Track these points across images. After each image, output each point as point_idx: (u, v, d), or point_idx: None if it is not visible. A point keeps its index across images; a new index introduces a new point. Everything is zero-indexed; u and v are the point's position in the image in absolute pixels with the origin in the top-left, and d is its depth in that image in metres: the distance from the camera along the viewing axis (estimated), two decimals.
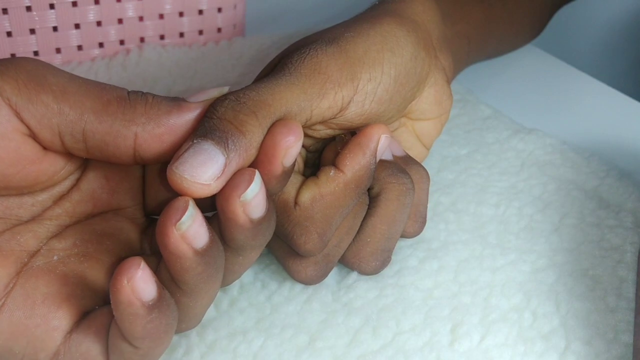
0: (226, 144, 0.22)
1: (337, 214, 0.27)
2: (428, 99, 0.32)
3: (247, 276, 0.31)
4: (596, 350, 0.28)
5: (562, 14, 0.52)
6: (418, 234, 0.32)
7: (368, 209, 0.29)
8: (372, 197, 0.29)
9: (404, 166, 0.30)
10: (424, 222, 0.31)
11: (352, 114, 0.28)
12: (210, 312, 0.29)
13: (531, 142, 0.41)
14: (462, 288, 0.31)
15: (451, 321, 0.29)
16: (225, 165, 0.22)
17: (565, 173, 0.39)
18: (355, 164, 0.27)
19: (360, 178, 0.27)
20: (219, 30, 0.50)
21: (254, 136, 0.23)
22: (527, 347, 0.29)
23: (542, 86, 0.49)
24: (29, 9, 0.42)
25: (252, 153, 0.23)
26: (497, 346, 0.29)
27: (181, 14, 0.47)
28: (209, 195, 0.22)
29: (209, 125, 0.23)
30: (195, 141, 0.22)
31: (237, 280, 0.31)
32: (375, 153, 0.28)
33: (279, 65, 0.27)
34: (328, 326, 0.29)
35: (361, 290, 0.30)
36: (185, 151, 0.22)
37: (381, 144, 0.28)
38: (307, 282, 0.29)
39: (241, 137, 0.23)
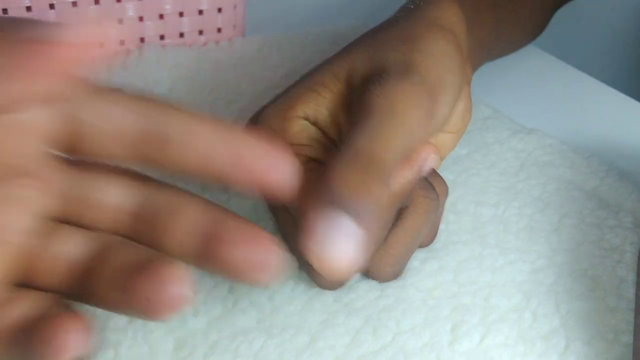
0: (362, 217, 0.22)
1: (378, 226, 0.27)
2: (457, 113, 0.31)
3: None
4: (596, 351, 0.28)
5: (563, 14, 0.52)
6: (428, 245, 0.32)
7: (395, 220, 0.29)
8: (400, 208, 0.29)
9: (427, 177, 0.30)
10: (435, 235, 0.32)
11: (426, 139, 0.28)
12: (213, 311, 0.29)
13: (531, 143, 0.41)
14: (462, 288, 0.31)
15: (451, 321, 0.29)
16: (362, 238, 0.22)
17: (565, 173, 0.39)
18: (402, 178, 0.27)
19: (405, 193, 0.27)
20: (219, 30, 0.50)
21: (383, 201, 0.23)
22: (527, 347, 0.29)
23: (541, 86, 0.49)
24: (28, 9, 0.42)
25: (382, 216, 0.23)
26: (497, 346, 0.29)
27: (181, 14, 0.47)
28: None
29: (339, 194, 0.22)
30: (328, 212, 0.21)
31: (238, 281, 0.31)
32: (421, 170, 0.28)
33: (369, 98, 0.26)
34: (329, 326, 0.29)
35: (362, 290, 0.31)
36: (321, 226, 0.21)
37: (428, 162, 0.28)
38: (331, 288, 0.30)
39: (373, 205, 0.22)
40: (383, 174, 0.23)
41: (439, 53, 0.29)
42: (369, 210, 0.22)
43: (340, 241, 0.21)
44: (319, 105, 0.29)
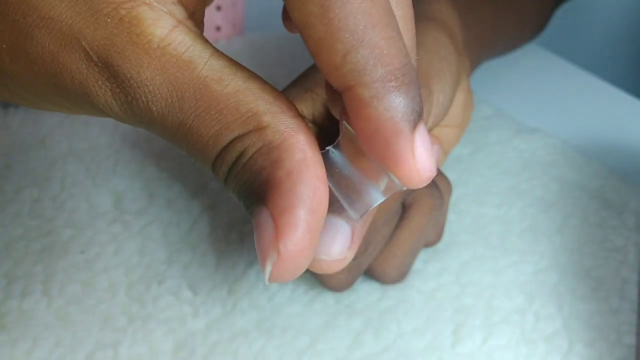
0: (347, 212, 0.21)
1: (382, 218, 0.27)
2: (457, 105, 0.31)
3: (249, 277, 0.31)
4: (599, 352, 0.28)
5: (566, 12, 0.52)
6: (435, 244, 0.32)
7: (399, 220, 0.29)
8: (404, 207, 0.29)
9: None
10: (441, 234, 0.32)
11: (427, 129, 0.28)
12: (213, 312, 0.29)
13: (533, 142, 0.41)
14: (464, 290, 0.31)
15: (453, 323, 0.29)
16: (353, 234, 0.22)
17: (568, 173, 0.38)
18: None
19: None
20: (218, 28, 0.49)
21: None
22: (530, 349, 0.28)
23: (544, 86, 0.48)
24: None
25: (374, 210, 0.23)
26: (500, 348, 0.28)
27: None
28: (345, 266, 0.22)
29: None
30: None
31: (238, 281, 0.31)
32: None
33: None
34: (329, 328, 0.29)
35: (363, 292, 0.30)
36: None
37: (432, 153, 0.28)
38: (338, 288, 0.30)
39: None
40: None
41: (431, 42, 0.29)
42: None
43: (330, 242, 0.21)
44: (315, 103, 0.29)
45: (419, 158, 0.17)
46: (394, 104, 0.17)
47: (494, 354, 0.28)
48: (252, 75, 0.18)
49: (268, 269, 0.17)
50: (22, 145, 0.38)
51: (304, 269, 0.17)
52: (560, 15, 0.50)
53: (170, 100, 0.17)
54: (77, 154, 0.38)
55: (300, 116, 0.18)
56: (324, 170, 0.17)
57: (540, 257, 0.33)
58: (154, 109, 0.17)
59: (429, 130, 0.28)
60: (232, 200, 0.35)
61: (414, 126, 0.17)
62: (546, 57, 0.52)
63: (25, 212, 0.34)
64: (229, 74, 0.18)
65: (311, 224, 0.17)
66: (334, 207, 0.22)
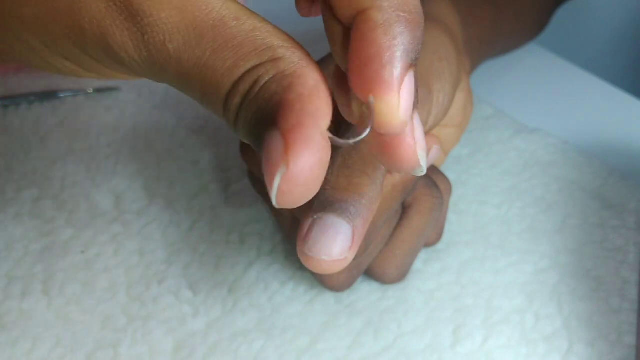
0: (349, 213, 0.22)
1: (382, 218, 0.27)
2: (457, 105, 0.31)
3: (249, 277, 0.31)
4: (599, 352, 0.28)
5: (566, 12, 0.52)
6: (435, 244, 0.32)
7: (399, 220, 0.29)
8: (404, 207, 0.29)
9: (429, 175, 0.30)
10: (441, 234, 0.32)
11: (427, 129, 0.28)
12: (213, 312, 0.29)
13: (533, 142, 0.41)
14: (464, 290, 0.31)
15: (453, 323, 0.29)
16: (354, 234, 0.22)
17: (568, 173, 0.38)
18: None
19: (408, 183, 0.27)
20: None
21: (372, 194, 0.23)
22: (530, 348, 0.28)
23: (544, 86, 0.48)
24: None
25: (374, 209, 0.23)
26: (500, 348, 0.28)
27: None
28: (345, 266, 0.22)
29: (325, 198, 0.22)
30: (316, 217, 0.22)
31: (239, 280, 0.31)
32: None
33: None
34: (329, 328, 0.29)
35: (363, 292, 0.30)
36: (310, 230, 0.22)
37: (432, 154, 0.28)
38: (338, 288, 0.30)
39: (360, 200, 0.22)
40: (371, 169, 0.23)
41: (431, 42, 0.29)
42: (357, 206, 0.22)
43: (331, 242, 0.21)
44: None
45: (403, 96, 0.17)
46: (402, 36, 0.17)
47: (494, 354, 0.28)
48: (266, 19, 0.19)
49: (276, 183, 0.16)
50: (22, 145, 0.38)
51: (313, 193, 0.17)
52: (560, 15, 0.50)
53: (188, 38, 0.18)
54: (77, 154, 0.38)
55: (312, 58, 0.19)
56: (331, 101, 0.18)
57: (540, 257, 0.33)
58: (170, 47, 0.18)
59: (429, 130, 0.28)
60: (233, 197, 0.35)
61: (409, 66, 0.17)
62: (546, 57, 0.51)
63: (25, 212, 0.34)
64: (246, 14, 0.18)
65: (321, 141, 0.17)
66: (334, 207, 0.22)
